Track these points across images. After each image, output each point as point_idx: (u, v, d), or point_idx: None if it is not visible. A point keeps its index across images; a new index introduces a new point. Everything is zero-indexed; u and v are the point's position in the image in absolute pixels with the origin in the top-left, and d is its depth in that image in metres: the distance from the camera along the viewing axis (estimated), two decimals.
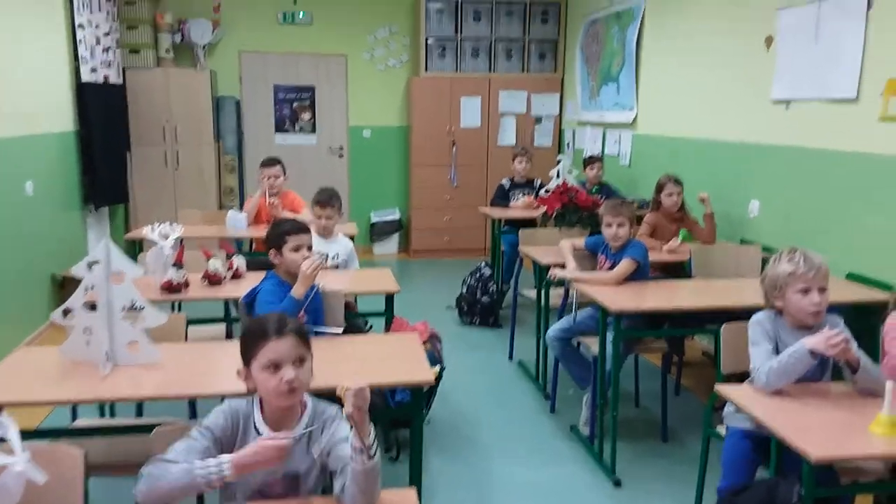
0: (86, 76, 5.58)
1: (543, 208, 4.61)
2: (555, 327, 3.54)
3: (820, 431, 1.91)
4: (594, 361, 3.27)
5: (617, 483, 3.04)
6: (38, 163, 4.92)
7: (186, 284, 3.11)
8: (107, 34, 6.02)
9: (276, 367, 1.68)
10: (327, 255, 3.72)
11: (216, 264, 3.20)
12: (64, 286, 4.97)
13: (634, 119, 5.78)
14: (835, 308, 2.33)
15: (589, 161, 5.48)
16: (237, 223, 4.49)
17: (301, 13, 7.22)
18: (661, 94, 5.41)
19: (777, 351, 2.20)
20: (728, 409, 2.40)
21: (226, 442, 1.68)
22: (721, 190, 4.40)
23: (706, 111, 4.78)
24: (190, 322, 2.79)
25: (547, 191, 5.01)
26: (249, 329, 1.78)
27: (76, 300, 2.19)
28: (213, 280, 3.19)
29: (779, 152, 4.00)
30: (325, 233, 3.78)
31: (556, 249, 3.75)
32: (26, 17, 4.79)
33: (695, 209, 4.26)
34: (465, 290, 5.26)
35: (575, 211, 4.08)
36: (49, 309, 4.38)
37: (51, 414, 3.36)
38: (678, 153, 5.06)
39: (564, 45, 7.34)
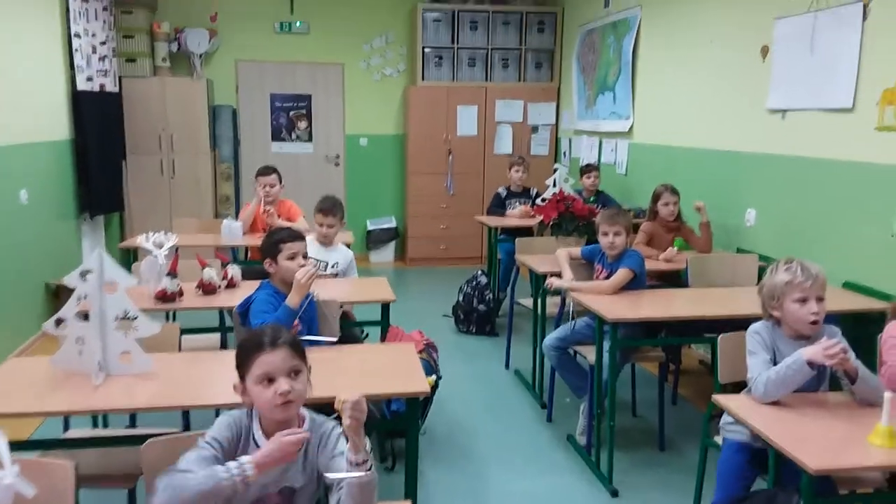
0: (81, 85, 5.58)
1: (540, 217, 4.60)
2: (551, 336, 3.53)
3: (818, 442, 1.90)
4: (591, 370, 3.26)
5: (614, 493, 3.02)
6: (33, 171, 4.90)
7: (181, 293, 3.09)
8: (103, 43, 6.02)
9: (269, 380, 1.67)
10: (326, 264, 3.71)
11: (211, 273, 3.18)
12: (58, 295, 4.94)
13: (631, 128, 5.79)
14: (831, 317, 2.32)
15: (586, 169, 5.48)
16: (233, 232, 4.47)
17: (298, 22, 7.24)
18: (658, 104, 5.42)
19: (775, 361, 2.19)
20: (724, 420, 2.39)
21: (229, 453, 1.67)
22: (717, 199, 4.40)
23: (702, 120, 4.79)
24: (184, 331, 2.78)
25: (543, 200, 5.01)
26: (242, 343, 1.77)
27: (69, 310, 2.17)
28: (207, 289, 3.17)
29: (775, 161, 4.00)
30: (326, 241, 3.77)
31: (553, 258, 3.74)
32: (22, 25, 4.78)
33: (691, 218, 4.26)
34: (461, 299, 5.25)
35: (571, 220, 4.07)
36: (43, 318, 4.35)
37: (43, 424, 3.32)
38: (674, 162, 5.07)
39: (561, 54, 7.37)
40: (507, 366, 4.54)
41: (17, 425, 2.92)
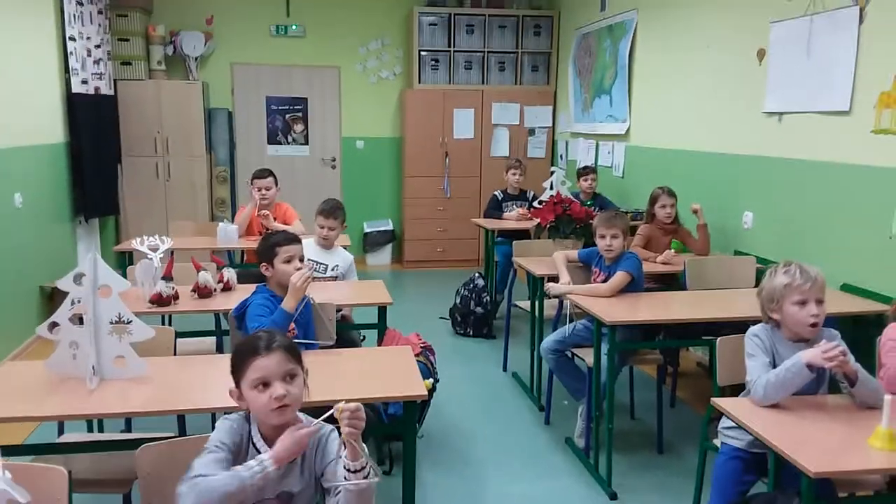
0: (76, 88, 5.56)
1: (537, 220, 4.60)
2: (549, 339, 3.52)
3: (818, 445, 1.89)
4: (589, 373, 3.25)
5: (613, 496, 3.01)
6: (28, 174, 4.88)
7: (176, 297, 3.07)
8: (98, 46, 6.00)
9: (264, 384, 1.65)
10: (326, 267, 3.70)
11: (206, 277, 3.16)
12: (53, 298, 4.91)
13: (627, 131, 5.79)
14: (830, 319, 2.32)
15: (583, 172, 5.48)
16: (228, 235, 4.46)
17: (294, 25, 7.23)
18: (654, 107, 5.42)
19: (774, 364, 2.18)
20: (722, 424, 2.38)
21: (234, 456, 1.66)
22: (715, 201, 4.40)
23: (699, 123, 4.79)
24: (179, 335, 2.76)
25: (540, 202, 5.00)
26: (237, 348, 1.76)
27: (62, 314, 2.15)
28: (203, 293, 3.15)
29: (772, 164, 4.00)
30: (326, 244, 3.75)
31: (550, 261, 3.74)
32: (16, 28, 4.76)
33: (688, 221, 4.26)
34: (458, 301, 5.24)
35: (569, 222, 4.07)
36: (38, 322, 4.31)
37: (37, 429, 3.30)
38: (671, 165, 5.07)
39: (557, 57, 7.37)
40: (504, 368, 4.53)
41: (12, 430, 2.90)
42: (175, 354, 2.62)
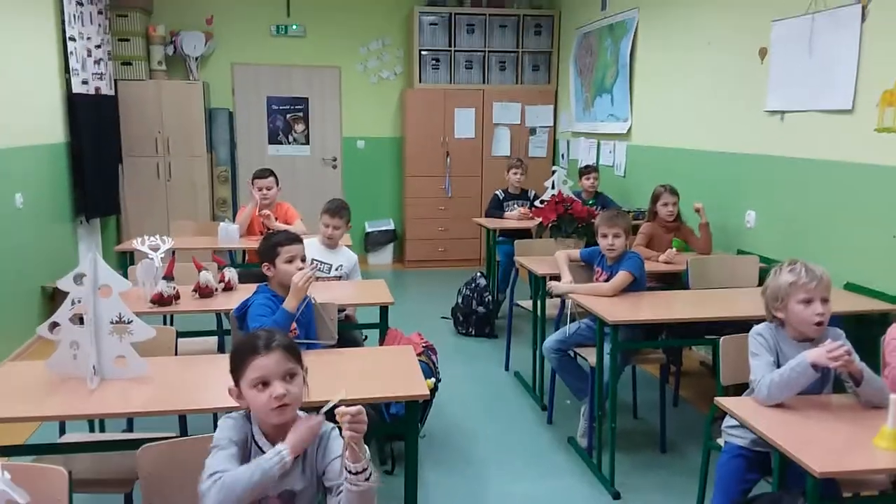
0: (77, 88, 5.55)
1: (538, 219, 4.58)
2: (551, 338, 3.51)
3: (823, 445, 1.88)
4: (591, 372, 3.24)
5: (616, 495, 3.00)
6: (29, 175, 4.87)
7: (177, 297, 3.06)
8: (98, 46, 6.00)
9: (264, 383, 1.65)
10: (330, 266, 3.69)
11: (207, 276, 3.16)
12: (54, 299, 4.91)
13: (629, 130, 5.78)
14: (833, 318, 2.30)
15: (585, 171, 5.47)
16: (229, 235, 4.45)
17: (294, 25, 7.22)
18: (656, 106, 5.41)
19: (778, 363, 2.17)
20: (726, 423, 2.37)
21: (241, 451, 1.66)
22: (717, 200, 4.39)
23: (701, 122, 4.78)
24: (181, 335, 2.75)
25: (542, 201, 4.99)
26: (237, 347, 1.75)
27: (63, 314, 2.14)
28: (204, 292, 3.14)
29: (775, 163, 3.99)
30: (331, 243, 3.74)
31: (552, 260, 3.72)
32: (16, 29, 4.76)
33: (690, 220, 4.24)
34: (460, 301, 5.23)
35: (570, 221, 4.05)
36: (39, 322, 4.31)
37: (39, 429, 3.29)
38: (673, 164, 5.06)
39: (558, 56, 7.36)
40: (506, 368, 4.52)
41: (13, 430, 2.89)
42: (176, 354, 2.61)
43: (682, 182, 4.35)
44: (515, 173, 5.62)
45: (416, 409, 2.36)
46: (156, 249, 3.14)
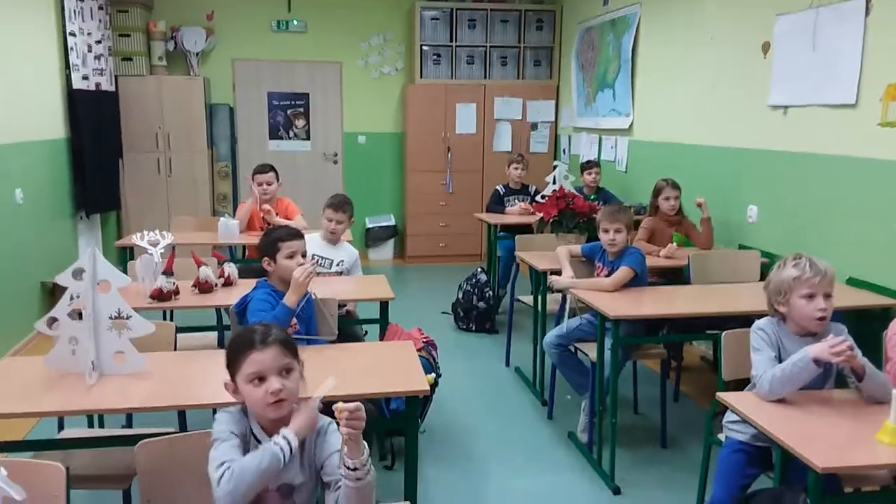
0: (77, 83, 5.54)
1: (539, 214, 4.57)
2: (552, 333, 3.50)
3: (825, 440, 1.87)
4: (592, 367, 3.23)
5: (616, 491, 2.99)
6: (29, 170, 4.86)
7: (177, 292, 3.06)
8: (99, 42, 5.98)
9: (260, 378, 1.64)
10: (332, 262, 3.68)
11: (207, 272, 3.15)
12: (54, 294, 4.90)
13: (631, 125, 5.76)
14: (835, 313, 2.29)
15: (586, 166, 5.45)
16: (229, 230, 4.44)
17: (295, 21, 7.20)
18: (658, 101, 5.39)
19: (780, 358, 2.16)
20: (727, 418, 2.36)
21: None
22: (719, 195, 4.37)
23: (703, 117, 4.75)
24: (180, 330, 2.74)
25: (543, 197, 4.97)
26: (232, 342, 1.74)
27: (61, 309, 2.14)
28: (203, 288, 3.14)
29: (777, 157, 3.97)
30: (333, 238, 3.73)
31: (553, 255, 3.71)
32: (17, 24, 4.74)
33: (692, 214, 4.23)
34: (460, 296, 5.22)
35: (572, 217, 4.04)
36: (39, 317, 4.32)
37: (37, 425, 3.29)
38: (675, 159, 5.04)
39: (560, 52, 7.33)
40: (507, 363, 4.51)
41: (12, 426, 2.89)
42: (175, 350, 2.60)
43: (683, 177, 4.33)
44: (516, 168, 5.60)
45: (417, 405, 2.35)
46: (155, 245, 3.13)
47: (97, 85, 5.94)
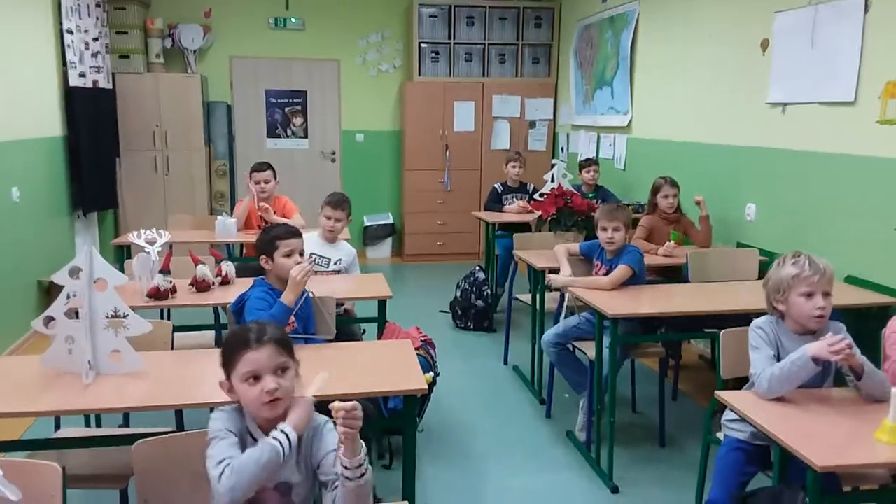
0: (74, 81, 5.52)
1: (537, 213, 4.56)
2: (550, 332, 3.50)
3: (824, 439, 1.86)
4: (590, 366, 3.22)
5: (614, 489, 2.99)
6: (25, 168, 4.84)
7: (174, 291, 3.05)
8: (96, 39, 5.96)
9: (255, 377, 1.63)
10: (329, 260, 3.67)
11: (204, 270, 3.14)
12: (51, 293, 4.89)
13: (629, 123, 5.75)
14: (834, 311, 2.29)
15: (585, 164, 5.45)
16: (227, 228, 4.43)
17: (293, 18, 7.18)
18: (657, 98, 5.38)
19: (778, 356, 2.16)
20: (725, 417, 2.36)
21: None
22: (717, 193, 4.37)
23: (702, 115, 4.75)
24: (178, 329, 2.73)
25: (541, 195, 4.97)
26: (227, 341, 1.73)
27: (58, 308, 2.13)
28: (201, 286, 3.12)
29: (775, 155, 3.97)
30: (332, 236, 3.72)
31: (551, 254, 3.71)
32: (13, 21, 4.72)
33: (690, 212, 4.22)
34: (458, 295, 5.21)
35: (570, 215, 4.03)
36: (36, 316, 4.31)
37: (34, 424, 3.28)
38: (674, 156, 5.03)
39: (558, 49, 7.32)
40: (505, 362, 4.51)
41: (8, 425, 2.88)
42: (173, 349, 2.59)
43: (682, 175, 4.33)
44: (514, 166, 5.59)
45: (415, 404, 2.35)
46: (152, 243, 3.12)
47: (94, 82, 5.92)
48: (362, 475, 1.53)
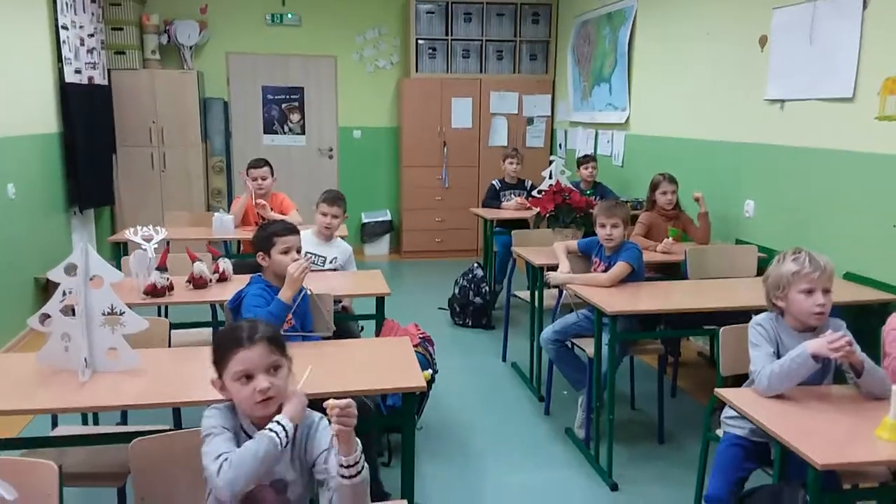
0: (70, 77, 5.49)
1: (535, 209, 4.56)
2: (549, 329, 3.49)
3: (824, 436, 1.86)
4: (589, 363, 3.22)
5: (613, 486, 2.99)
6: (21, 165, 4.82)
7: (171, 288, 3.03)
8: (91, 35, 5.93)
9: (248, 377, 1.62)
10: (325, 259, 3.65)
11: (201, 267, 3.12)
12: (47, 290, 4.86)
13: (627, 119, 5.74)
14: (834, 308, 2.28)
15: (583, 160, 5.44)
16: (224, 225, 4.41)
17: (289, 14, 7.15)
18: (654, 95, 5.37)
19: (778, 354, 2.15)
20: (725, 414, 2.36)
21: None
22: (716, 190, 4.36)
23: (700, 111, 4.74)
24: (175, 326, 2.72)
25: (539, 192, 4.96)
26: (219, 339, 1.72)
27: (54, 305, 2.11)
28: (198, 283, 3.11)
29: (774, 152, 3.96)
30: (328, 233, 3.71)
31: (550, 250, 3.70)
32: (8, 17, 4.69)
33: (689, 208, 4.22)
34: (457, 292, 5.20)
35: (569, 212, 4.03)
36: (32, 313, 4.29)
37: (31, 422, 3.26)
38: (672, 153, 5.02)
39: (556, 46, 7.31)
40: (503, 359, 4.50)
41: (4, 423, 2.87)
42: (170, 346, 2.58)
43: (680, 172, 4.32)
44: (511, 163, 5.58)
45: (413, 401, 2.34)
46: (149, 240, 3.10)
47: (90, 79, 5.89)
48: (358, 473, 1.52)
